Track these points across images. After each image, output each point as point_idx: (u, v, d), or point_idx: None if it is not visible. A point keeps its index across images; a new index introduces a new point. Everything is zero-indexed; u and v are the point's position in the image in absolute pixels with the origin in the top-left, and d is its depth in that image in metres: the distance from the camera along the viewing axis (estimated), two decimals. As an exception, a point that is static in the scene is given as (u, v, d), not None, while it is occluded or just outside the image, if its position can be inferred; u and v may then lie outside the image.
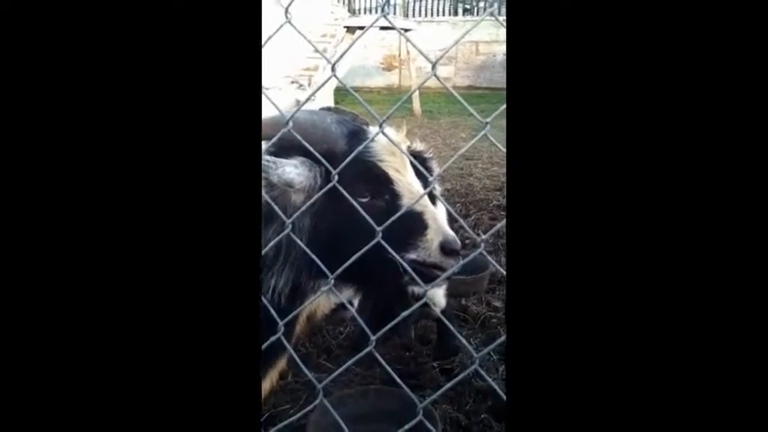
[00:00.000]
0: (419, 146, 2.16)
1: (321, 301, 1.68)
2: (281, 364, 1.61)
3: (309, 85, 6.43)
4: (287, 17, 0.86)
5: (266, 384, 1.58)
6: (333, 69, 0.85)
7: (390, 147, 1.19)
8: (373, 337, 0.84)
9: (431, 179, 0.79)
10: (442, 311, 2.35)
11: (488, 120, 0.76)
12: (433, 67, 0.77)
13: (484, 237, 0.77)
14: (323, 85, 0.94)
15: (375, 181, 1.21)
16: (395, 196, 1.19)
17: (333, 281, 0.92)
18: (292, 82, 6.21)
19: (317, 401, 0.90)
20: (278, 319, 0.90)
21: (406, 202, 1.22)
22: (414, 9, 13.97)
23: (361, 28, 8.23)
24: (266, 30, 0.87)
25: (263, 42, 0.85)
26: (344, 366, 0.91)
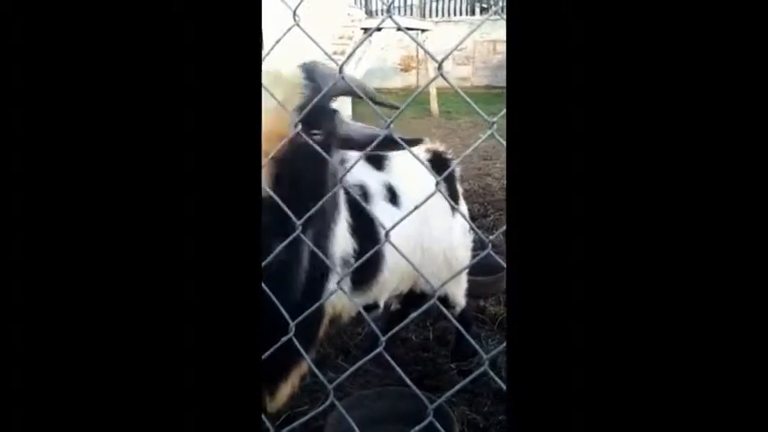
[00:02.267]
0: (439, 146, 2.16)
1: (346, 304, 1.68)
2: (303, 367, 1.62)
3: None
4: (295, 20, 0.87)
5: (287, 388, 1.59)
6: (340, 71, 0.86)
7: None
8: (383, 338, 0.84)
9: (438, 179, 0.79)
10: (462, 312, 2.34)
11: (494, 119, 0.75)
12: (439, 66, 0.77)
13: (491, 237, 0.76)
14: (329, 87, 0.94)
15: None
16: None
17: (339, 284, 0.92)
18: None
19: (327, 402, 0.90)
20: (290, 320, 0.91)
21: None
22: (431, 9, 13.94)
23: (379, 29, 8.24)
24: (281, 31, 0.88)
25: (274, 44, 0.86)
26: (355, 366, 0.91)
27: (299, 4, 0.85)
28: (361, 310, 0.95)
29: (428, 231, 1.92)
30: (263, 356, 0.96)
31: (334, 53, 6.50)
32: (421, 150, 2.06)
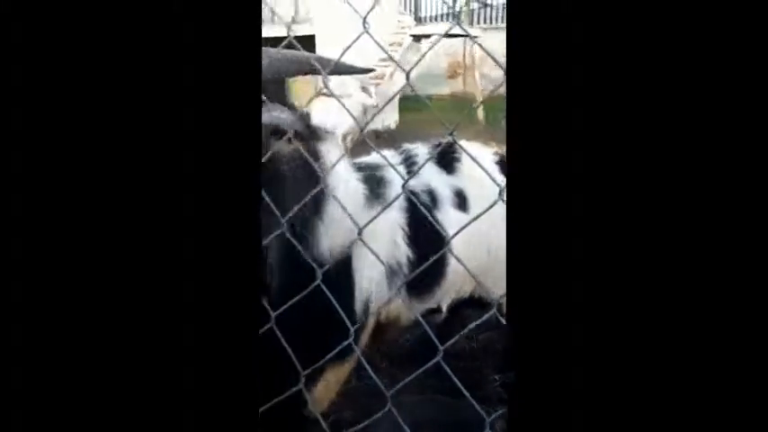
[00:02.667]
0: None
1: (402, 311, 1.67)
2: (344, 372, 1.62)
3: (376, 92, 6.52)
4: (364, 27, 0.88)
5: (325, 392, 1.59)
6: (407, 78, 0.86)
7: None
8: (441, 348, 0.83)
9: (501, 187, 0.78)
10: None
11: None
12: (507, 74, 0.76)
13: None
14: (397, 93, 0.95)
15: None
16: None
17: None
18: (363, 89, 6.33)
19: (386, 409, 0.90)
20: (349, 324, 0.91)
21: None
22: (478, 16, 13.86)
23: (427, 36, 8.24)
24: (342, 37, 0.88)
25: (344, 51, 0.87)
26: (412, 376, 0.91)
27: (370, 10, 0.86)
28: (419, 318, 0.94)
29: (496, 234, 1.89)
30: (315, 365, 0.97)
31: (383, 59, 6.53)
32: (489, 153, 2.03)
